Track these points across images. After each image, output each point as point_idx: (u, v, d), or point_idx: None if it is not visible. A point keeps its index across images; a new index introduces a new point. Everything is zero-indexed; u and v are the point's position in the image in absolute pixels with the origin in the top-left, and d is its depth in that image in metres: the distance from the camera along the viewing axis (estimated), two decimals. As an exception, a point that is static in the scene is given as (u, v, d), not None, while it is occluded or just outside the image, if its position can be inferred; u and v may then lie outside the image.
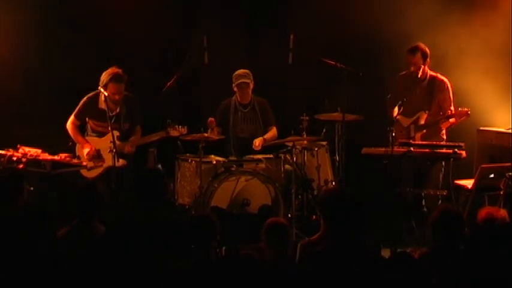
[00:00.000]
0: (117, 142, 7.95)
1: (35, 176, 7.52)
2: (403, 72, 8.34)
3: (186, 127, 8.22)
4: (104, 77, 8.01)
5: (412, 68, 8.19)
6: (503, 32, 8.99)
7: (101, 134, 8.18)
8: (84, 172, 8.09)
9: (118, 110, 8.19)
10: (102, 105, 8.01)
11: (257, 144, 8.57)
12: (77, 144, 8.22)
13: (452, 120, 8.13)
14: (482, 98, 9.03)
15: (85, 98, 8.23)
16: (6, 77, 9.00)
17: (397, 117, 8.04)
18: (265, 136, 8.70)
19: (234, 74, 8.61)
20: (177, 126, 8.18)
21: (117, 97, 8.06)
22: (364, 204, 5.03)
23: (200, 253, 5.09)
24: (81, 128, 8.32)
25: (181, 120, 8.27)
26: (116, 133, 8.01)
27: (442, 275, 4.91)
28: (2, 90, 8.97)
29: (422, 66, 8.19)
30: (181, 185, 8.33)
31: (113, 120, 8.01)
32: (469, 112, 8.05)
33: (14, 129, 8.65)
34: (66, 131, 8.25)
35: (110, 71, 8.04)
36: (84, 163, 8.03)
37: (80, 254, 5.15)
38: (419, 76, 8.22)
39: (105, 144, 8.02)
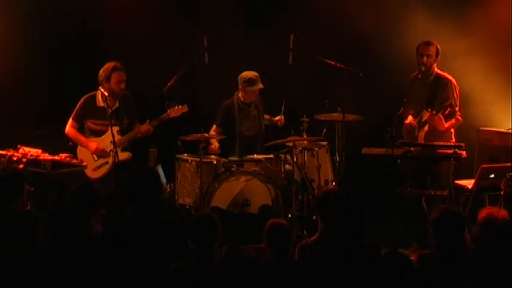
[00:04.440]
0: (119, 136, 7.98)
1: (35, 176, 7.51)
2: (414, 73, 8.10)
3: (186, 105, 8.22)
4: (103, 71, 8.02)
5: (425, 60, 7.96)
6: (503, 32, 8.99)
7: (99, 134, 8.15)
8: (89, 173, 8.04)
9: (117, 105, 8.18)
10: (100, 103, 7.99)
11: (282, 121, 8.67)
12: (79, 148, 8.16)
13: (439, 117, 7.86)
14: (482, 98, 9.03)
15: (82, 100, 8.22)
16: (6, 77, 9.00)
17: (408, 119, 8.03)
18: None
19: (244, 78, 8.52)
20: (177, 106, 8.18)
21: (122, 85, 8.06)
22: (364, 204, 5.01)
23: (201, 253, 5.08)
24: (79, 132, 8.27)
25: (181, 120, 8.27)
26: (116, 128, 8.00)
27: (443, 275, 4.91)
28: (2, 90, 8.98)
29: (434, 63, 8.05)
30: (181, 185, 8.33)
31: (112, 117, 7.98)
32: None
33: (14, 129, 8.64)
34: (66, 136, 8.22)
35: (107, 64, 8.06)
36: (84, 163, 7.99)
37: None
38: (426, 73, 8.01)
39: (105, 142, 8.01)
